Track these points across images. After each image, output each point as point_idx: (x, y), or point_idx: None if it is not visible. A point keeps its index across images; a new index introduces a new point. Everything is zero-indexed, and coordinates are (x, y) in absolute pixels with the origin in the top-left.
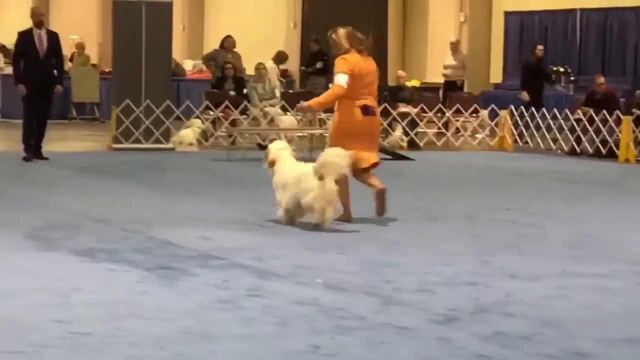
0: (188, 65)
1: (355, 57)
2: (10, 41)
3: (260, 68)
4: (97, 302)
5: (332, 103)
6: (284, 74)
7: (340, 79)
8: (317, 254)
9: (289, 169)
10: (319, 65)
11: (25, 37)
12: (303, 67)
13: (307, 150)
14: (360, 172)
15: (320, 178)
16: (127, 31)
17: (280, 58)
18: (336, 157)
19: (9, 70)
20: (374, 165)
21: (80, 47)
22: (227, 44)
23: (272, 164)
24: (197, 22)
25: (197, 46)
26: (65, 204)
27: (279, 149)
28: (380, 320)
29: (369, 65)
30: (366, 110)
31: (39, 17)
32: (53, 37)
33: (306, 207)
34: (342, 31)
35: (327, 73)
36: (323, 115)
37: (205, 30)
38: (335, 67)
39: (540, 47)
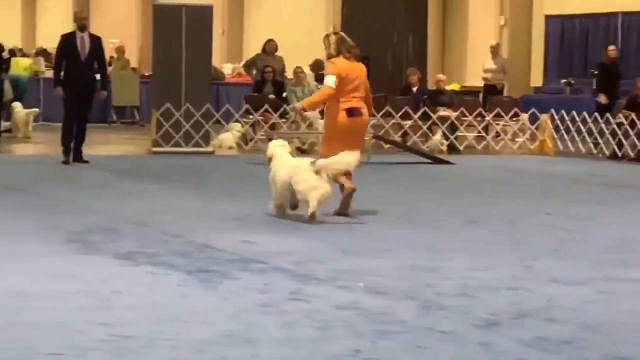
0: (227, 69)
1: (343, 61)
2: (51, 45)
3: (298, 72)
4: (138, 305)
5: (322, 103)
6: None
7: (329, 81)
8: (357, 257)
9: (284, 164)
10: None
11: (67, 40)
12: None
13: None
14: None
15: (317, 173)
16: (168, 35)
17: (317, 66)
18: (347, 164)
19: (50, 73)
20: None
21: (120, 50)
22: (269, 47)
23: (269, 160)
24: (236, 26)
25: (236, 50)
26: (105, 207)
27: (277, 146)
28: (421, 324)
29: (357, 69)
30: (351, 112)
31: (82, 21)
32: (95, 41)
33: (299, 197)
34: (333, 37)
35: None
36: None
37: (244, 34)
38: (326, 69)
39: (612, 47)
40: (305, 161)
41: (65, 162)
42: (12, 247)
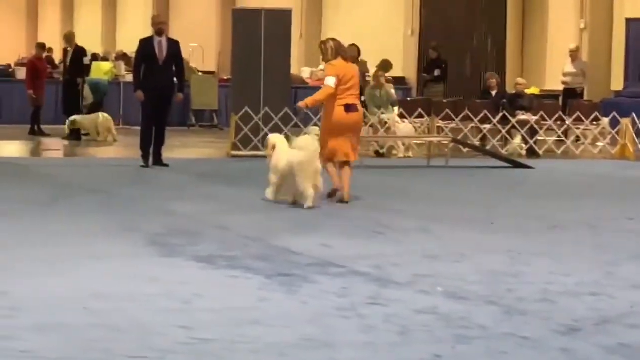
0: (306, 72)
1: (341, 63)
2: (131, 49)
3: (378, 75)
4: (218, 309)
5: (324, 101)
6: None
7: (329, 81)
8: (436, 262)
9: (283, 154)
10: (436, 72)
11: (146, 45)
12: (424, 74)
13: (425, 157)
14: (337, 163)
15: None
16: (247, 39)
17: (385, 67)
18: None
19: (129, 77)
20: (349, 162)
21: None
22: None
23: (272, 147)
24: (314, 30)
25: (314, 54)
26: (185, 210)
27: (278, 139)
28: (502, 329)
29: (352, 70)
30: (349, 108)
31: (159, 26)
32: (173, 45)
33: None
34: (331, 43)
35: (446, 80)
36: (441, 123)
37: (323, 37)
38: (325, 71)
39: None
40: (302, 155)
41: (145, 166)
42: (93, 249)
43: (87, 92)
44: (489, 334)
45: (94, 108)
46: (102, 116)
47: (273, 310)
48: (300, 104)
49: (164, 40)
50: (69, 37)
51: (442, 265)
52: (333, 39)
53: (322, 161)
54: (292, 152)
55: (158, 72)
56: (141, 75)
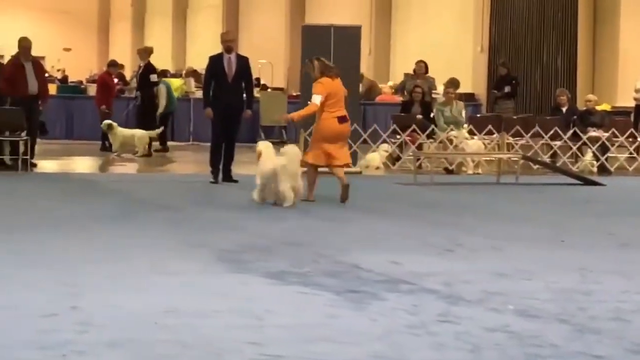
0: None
1: (327, 80)
2: (200, 65)
3: (449, 92)
4: (289, 325)
5: (309, 117)
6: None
7: (316, 99)
8: (507, 279)
9: (269, 160)
10: (506, 89)
11: (215, 62)
12: (494, 91)
13: (495, 174)
14: (334, 167)
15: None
16: (316, 55)
17: (453, 83)
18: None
19: (199, 94)
20: (346, 164)
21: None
22: (418, 68)
23: (259, 154)
24: (383, 46)
25: (383, 70)
26: (255, 226)
27: (264, 146)
28: (574, 348)
29: (338, 85)
30: (342, 119)
31: (228, 43)
32: (243, 62)
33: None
34: (316, 63)
35: (516, 96)
36: (511, 140)
37: (391, 54)
38: (313, 88)
39: None
40: (283, 159)
41: (214, 182)
42: (163, 265)
43: (162, 95)
44: (560, 353)
45: (164, 119)
46: (141, 132)
47: (342, 327)
48: (286, 116)
49: (233, 56)
50: (140, 53)
51: (512, 283)
52: (317, 58)
53: (307, 166)
54: (276, 157)
55: (227, 89)
56: (211, 92)
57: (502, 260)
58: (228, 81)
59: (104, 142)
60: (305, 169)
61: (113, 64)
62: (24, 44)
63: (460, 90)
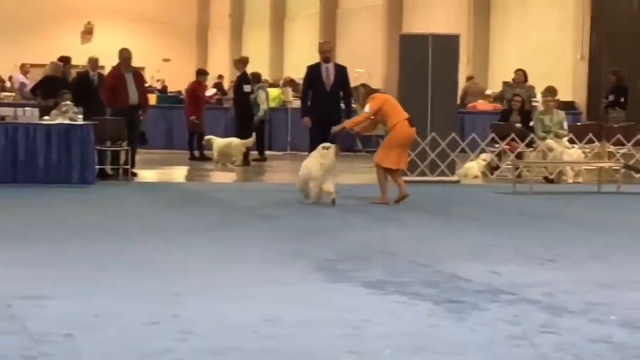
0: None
1: (379, 95)
2: (297, 75)
3: (547, 100)
4: (388, 334)
5: (361, 124)
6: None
7: (367, 108)
8: (609, 290)
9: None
10: (610, 97)
11: (313, 71)
12: (604, 99)
13: (596, 183)
14: (396, 173)
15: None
16: (414, 64)
17: (550, 92)
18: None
19: (297, 103)
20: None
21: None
22: (516, 77)
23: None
24: (481, 54)
25: (481, 78)
26: (353, 235)
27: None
28: None
29: (389, 97)
30: (410, 122)
31: (325, 54)
32: (340, 71)
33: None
34: (362, 90)
35: (627, 105)
36: (612, 149)
37: (489, 62)
38: (369, 101)
39: None
40: (316, 161)
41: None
42: (263, 274)
43: (262, 100)
44: None
45: (259, 126)
46: (237, 141)
47: (442, 337)
48: (339, 126)
49: (331, 66)
50: (236, 63)
51: (616, 294)
52: (363, 85)
53: (382, 172)
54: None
55: (325, 99)
56: (309, 101)
57: (604, 270)
58: (326, 90)
59: (192, 152)
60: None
61: (201, 72)
62: (125, 55)
63: (560, 98)
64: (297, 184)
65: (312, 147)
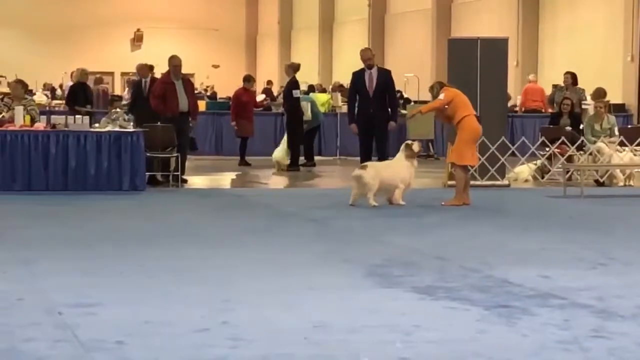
0: (519, 100)
1: (451, 89)
2: (346, 80)
3: (597, 106)
4: (438, 340)
5: (435, 109)
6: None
7: (441, 96)
8: None
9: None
10: None
11: (357, 77)
12: None
13: None
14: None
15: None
16: (462, 68)
17: (600, 95)
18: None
19: (346, 108)
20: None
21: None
22: (565, 80)
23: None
24: (530, 58)
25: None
26: (402, 240)
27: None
28: None
29: (461, 93)
30: (478, 118)
31: (367, 62)
32: (384, 75)
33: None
34: (437, 85)
35: None
36: None
37: (539, 65)
38: (443, 92)
39: None
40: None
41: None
42: (312, 279)
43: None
44: None
45: (310, 134)
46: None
47: (493, 343)
48: (412, 112)
49: (374, 71)
50: (287, 69)
51: None
52: (439, 82)
53: (462, 171)
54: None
55: (369, 104)
56: (355, 107)
57: None
58: (369, 96)
59: (243, 157)
60: None
61: (247, 79)
62: (174, 63)
63: (611, 100)
64: (372, 188)
65: (361, 152)
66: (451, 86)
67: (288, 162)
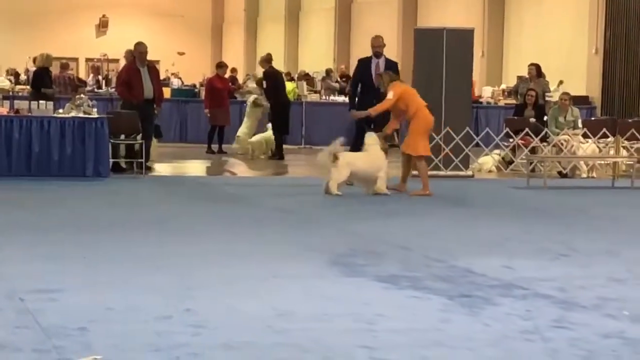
0: (487, 92)
1: (399, 83)
2: (312, 69)
3: (562, 99)
4: (401, 329)
5: (383, 111)
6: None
7: (389, 95)
8: (623, 285)
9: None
10: None
11: (363, 65)
12: None
13: (610, 178)
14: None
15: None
16: (428, 58)
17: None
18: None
19: (311, 97)
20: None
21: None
22: (529, 71)
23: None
24: (496, 48)
25: (496, 73)
26: (368, 230)
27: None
28: None
29: (408, 86)
30: (429, 109)
31: (376, 49)
32: (391, 66)
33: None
34: (386, 76)
35: None
36: (627, 143)
37: (504, 56)
38: (391, 88)
39: None
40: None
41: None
42: (277, 268)
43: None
44: None
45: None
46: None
47: (455, 332)
48: (360, 113)
49: (381, 61)
50: (261, 62)
51: (628, 289)
52: (385, 72)
53: (418, 160)
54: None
55: (372, 93)
56: (357, 94)
57: (618, 265)
58: (372, 85)
59: (210, 146)
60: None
61: (220, 65)
62: (140, 49)
63: (575, 92)
64: (338, 178)
65: (353, 140)
66: (398, 78)
67: (265, 150)
